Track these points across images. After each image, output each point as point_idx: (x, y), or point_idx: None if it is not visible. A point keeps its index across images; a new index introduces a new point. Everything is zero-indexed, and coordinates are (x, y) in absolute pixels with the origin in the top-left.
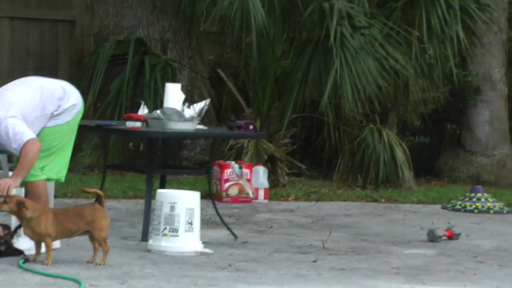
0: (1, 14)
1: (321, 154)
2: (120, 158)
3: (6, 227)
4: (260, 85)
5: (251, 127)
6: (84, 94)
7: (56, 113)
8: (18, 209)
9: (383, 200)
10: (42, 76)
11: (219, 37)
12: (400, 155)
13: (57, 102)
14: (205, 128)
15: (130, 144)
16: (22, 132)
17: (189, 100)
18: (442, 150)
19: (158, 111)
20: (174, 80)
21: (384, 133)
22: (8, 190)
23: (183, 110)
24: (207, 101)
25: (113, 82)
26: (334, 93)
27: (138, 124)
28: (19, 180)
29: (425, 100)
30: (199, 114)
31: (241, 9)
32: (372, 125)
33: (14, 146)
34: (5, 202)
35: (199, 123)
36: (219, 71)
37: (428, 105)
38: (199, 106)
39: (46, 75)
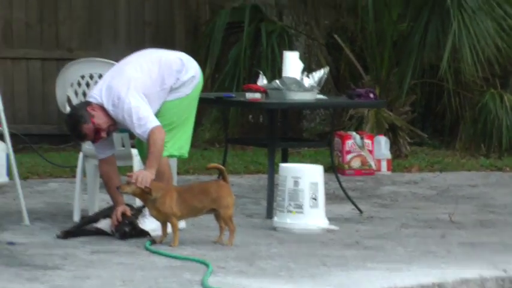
0: None
1: (442, 121)
2: (239, 131)
3: (131, 207)
4: (378, 50)
5: (371, 95)
6: (202, 65)
7: (174, 86)
8: (142, 190)
9: (508, 169)
10: (158, 47)
11: (334, 1)
12: None
13: (176, 74)
14: (325, 98)
15: (250, 116)
16: (146, 118)
17: (307, 68)
18: None
19: (277, 81)
20: (290, 47)
21: (505, 98)
22: (146, 182)
23: (302, 79)
24: (326, 70)
25: (230, 52)
26: (452, 57)
27: (257, 95)
28: (154, 171)
29: None
30: (318, 83)
31: None
32: (492, 90)
33: (138, 131)
34: (127, 184)
35: (318, 93)
36: (335, 36)
37: None
38: (318, 75)
39: (162, 45)
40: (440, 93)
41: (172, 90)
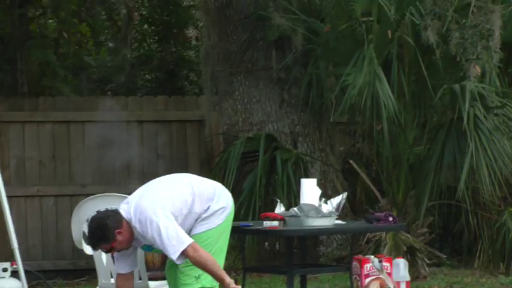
0: (129, 118)
1: (460, 241)
2: (255, 258)
3: None
4: (394, 174)
5: (391, 219)
6: None
7: (204, 215)
8: None
9: None
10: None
11: (349, 127)
12: None
13: (207, 202)
14: (344, 223)
15: (266, 243)
16: (177, 237)
17: (323, 194)
18: None
19: (295, 209)
20: (306, 174)
21: None
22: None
23: (320, 206)
24: (344, 195)
25: (245, 181)
26: (470, 178)
27: (275, 223)
28: (229, 280)
29: None
30: (337, 209)
31: (371, 96)
32: (510, 208)
33: (170, 250)
34: None
35: (336, 218)
36: (351, 162)
37: None
38: (336, 200)
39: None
40: (458, 213)
41: (202, 219)
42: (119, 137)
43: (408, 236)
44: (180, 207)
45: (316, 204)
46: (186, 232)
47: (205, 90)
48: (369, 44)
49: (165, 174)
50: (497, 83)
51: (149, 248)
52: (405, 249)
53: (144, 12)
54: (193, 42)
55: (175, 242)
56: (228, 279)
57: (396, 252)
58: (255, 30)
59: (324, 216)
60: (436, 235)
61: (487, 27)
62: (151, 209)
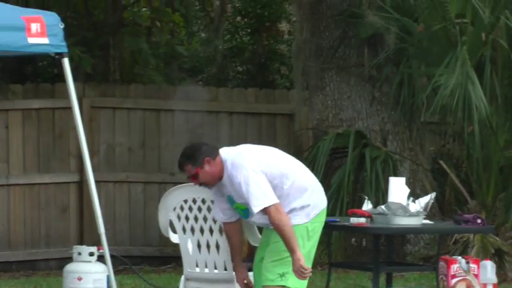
0: (220, 109)
1: None
2: (342, 254)
3: None
4: (484, 176)
5: (479, 221)
6: None
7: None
8: None
9: None
10: None
11: (439, 128)
12: None
13: (299, 191)
14: (432, 223)
15: (353, 239)
16: (265, 191)
17: (411, 193)
18: None
19: (383, 207)
20: (395, 173)
21: None
22: (306, 269)
23: (408, 205)
24: (433, 195)
25: (334, 176)
26: None
27: (362, 220)
28: (300, 253)
29: None
30: (425, 208)
31: (463, 98)
32: None
33: (254, 202)
34: None
35: (424, 218)
36: (441, 162)
37: None
38: (424, 200)
39: None
40: None
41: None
42: (208, 127)
43: (496, 238)
44: (274, 175)
45: (404, 203)
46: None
47: (296, 85)
48: (462, 45)
49: None
50: None
51: (231, 200)
52: (493, 251)
53: (237, 5)
54: (286, 36)
55: (261, 195)
56: (299, 253)
57: (484, 254)
58: (348, 27)
59: (412, 215)
60: None
61: None
62: (248, 160)
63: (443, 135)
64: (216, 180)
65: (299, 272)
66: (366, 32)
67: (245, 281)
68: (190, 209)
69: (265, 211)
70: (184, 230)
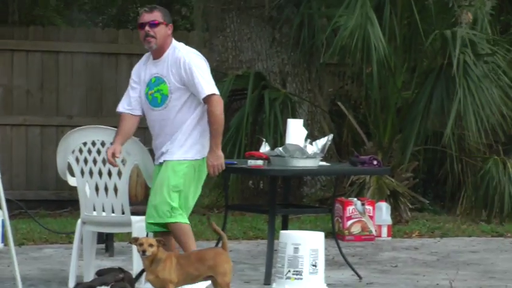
0: (119, 51)
1: (443, 187)
2: (239, 196)
3: (121, 270)
4: (381, 117)
5: (375, 162)
6: None
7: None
8: (158, 251)
9: (509, 235)
10: None
11: (338, 69)
12: None
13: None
14: (328, 165)
15: (250, 182)
16: (212, 81)
17: (309, 135)
18: None
19: (280, 149)
20: (293, 115)
21: (508, 164)
22: (222, 165)
23: (305, 147)
24: (330, 137)
25: (233, 118)
26: (457, 124)
27: (260, 162)
28: (220, 151)
29: None
30: (322, 150)
31: (362, 39)
32: (495, 156)
33: (202, 85)
34: (150, 246)
35: (321, 160)
36: (339, 103)
37: None
38: (321, 142)
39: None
40: (443, 159)
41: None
42: (107, 69)
43: (392, 180)
44: None
45: (302, 145)
46: None
47: (196, 26)
48: None
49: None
50: (489, 30)
51: (157, 82)
52: (388, 193)
53: None
54: None
55: (211, 83)
56: (221, 152)
57: (379, 195)
58: None
59: (309, 157)
60: (420, 180)
61: None
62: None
63: (342, 77)
64: (159, 46)
65: (216, 168)
66: None
67: (114, 153)
68: (89, 151)
69: (209, 98)
70: (82, 173)
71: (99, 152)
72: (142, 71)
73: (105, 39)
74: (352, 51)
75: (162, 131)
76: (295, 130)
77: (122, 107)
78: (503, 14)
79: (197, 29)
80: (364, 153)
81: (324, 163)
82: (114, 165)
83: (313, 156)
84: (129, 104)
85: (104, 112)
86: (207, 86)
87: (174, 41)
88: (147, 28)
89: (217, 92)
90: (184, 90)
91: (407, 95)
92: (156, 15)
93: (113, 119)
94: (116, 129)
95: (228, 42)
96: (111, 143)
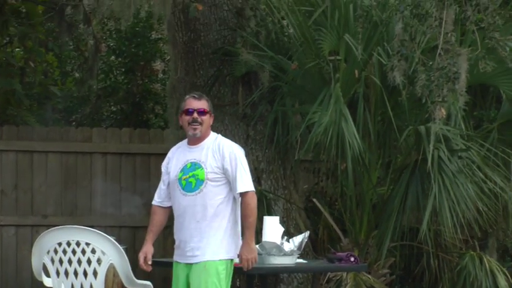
0: (93, 150)
1: (420, 284)
2: None
3: None
4: (357, 214)
5: (352, 259)
6: None
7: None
8: None
9: None
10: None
11: (313, 165)
12: (502, 282)
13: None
14: (305, 262)
15: None
16: (250, 178)
17: (285, 232)
18: None
19: (257, 246)
20: (269, 212)
21: (485, 259)
22: (256, 259)
23: (282, 244)
24: (306, 234)
25: None
26: (432, 220)
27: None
28: (254, 244)
29: None
30: (299, 247)
31: (336, 135)
32: (472, 252)
33: (239, 180)
34: None
35: (298, 257)
36: (314, 200)
37: None
38: (298, 239)
39: (139, 210)
40: (419, 255)
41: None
42: (82, 168)
43: (369, 276)
44: None
45: (278, 242)
46: None
47: (170, 124)
48: (336, 82)
49: (128, 208)
50: (462, 126)
51: (193, 167)
52: None
53: (111, 44)
54: (160, 75)
55: (249, 179)
56: (254, 246)
57: None
58: (222, 65)
59: (286, 254)
60: (397, 276)
61: (453, 70)
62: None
63: (317, 173)
64: (202, 133)
65: (251, 262)
66: (240, 70)
67: (146, 257)
68: (65, 251)
69: (245, 194)
70: (58, 273)
71: (74, 252)
72: (173, 160)
73: (79, 138)
74: (326, 148)
75: (193, 218)
76: (272, 227)
77: (154, 200)
78: (477, 109)
79: (171, 126)
80: (340, 249)
81: (300, 260)
82: (146, 270)
83: (290, 253)
84: (160, 196)
85: (78, 211)
86: (248, 181)
87: (211, 131)
88: (195, 115)
89: (254, 189)
90: (221, 178)
91: (383, 191)
92: (204, 104)
93: (88, 218)
94: (90, 229)
95: None
96: (145, 238)
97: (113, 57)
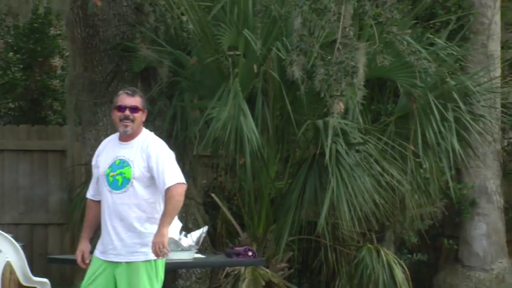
0: None
1: (318, 277)
2: None
3: None
4: (255, 208)
5: (250, 253)
6: (77, 227)
7: None
8: None
9: None
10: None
11: (212, 160)
12: (399, 274)
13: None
14: (203, 257)
15: None
16: (179, 171)
17: (184, 227)
18: (439, 266)
19: None
20: None
21: (382, 252)
22: (165, 249)
23: (180, 239)
24: (204, 229)
25: None
26: (330, 213)
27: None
28: (167, 231)
29: (422, 216)
30: (197, 242)
31: (235, 130)
32: (369, 245)
33: (171, 175)
34: None
35: (196, 252)
36: (213, 195)
37: (425, 221)
38: (196, 234)
39: (36, 207)
40: (317, 249)
41: None
42: None
43: (267, 270)
44: None
45: (176, 238)
46: None
47: (68, 120)
48: (235, 77)
49: (25, 205)
50: (360, 119)
51: (121, 164)
52: (264, 284)
53: (9, 40)
54: (59, 71)
55: (178, 172)
56: (167, 230)
57: (255, 286)
58: (121, 61)
59: (184, 250)
60: (295, 270)
61: (351, 64)
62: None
63: (216, 168)
64: (134, 130)
65: (158, 247)
66: (139, 66)
67: (83, 255)
68: None
69: (173, 187)
70: None
71: None
72: (103, 154)
73: None
74: (225, 143)
75: (116, 216)
76: None
77: (88, 193)
78: (374, 103)
79: (69, 123)
80: (239, 244)
81: (199, 255)
82: (83, 268)
83: (188, 248)
84: (93, 189)
85: None
86: (176, 174)
87: (143, 128)
88: (127, 112)
89: (184, 181)
90: (148, 179)
91: (281, 185)
92: (137, 101)
93: None
94: None
95: (101, 136)
96: (81, 236)
97: (11, 54)
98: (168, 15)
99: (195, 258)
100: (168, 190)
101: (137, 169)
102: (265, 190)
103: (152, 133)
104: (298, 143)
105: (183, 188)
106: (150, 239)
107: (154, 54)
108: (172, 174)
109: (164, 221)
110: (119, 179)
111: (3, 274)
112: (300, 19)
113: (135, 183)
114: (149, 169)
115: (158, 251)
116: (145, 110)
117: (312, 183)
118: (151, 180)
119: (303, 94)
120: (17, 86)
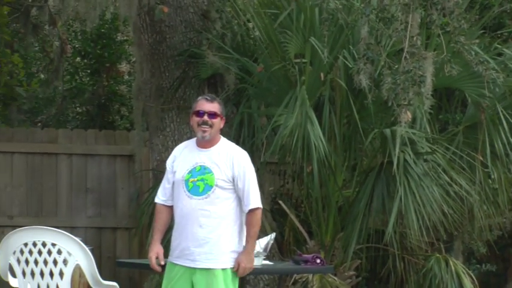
0: (59, 151)
1: (386, 286)
2: None
3: None
4: (323, 216)
5: (318, 261)
6: (145, 232)
7: None
8: None
9: None
10: (101, 213)
11: (279, 167)
12: (468, 284)
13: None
14: (271, 263)
15: None
16: (259, 196)
17: None
18: (509, 277)
19: None
20: None
21: (450, 262)
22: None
23: None
24: (272, 235)
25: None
26: (398, 222)
27: None
28: (253, 255)
29: (490, 226)
30: (265, 249)
31: (302, 137)
32: (437, 254)
33: (250, 196)
34: None
35: (264, 258)
36: (280, 202)
37: (493, 231)
38: (264, 241)
39: (105, 211)
40: (385, 257)
41: None
42: (47, 169)
43: (335, 278)
44: None
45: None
46: None
47: (136, 125)
48: (301, 85)
49: (93, 209)
50: (428, 129)
51: (201, 171)
52: None
53: (77, 45)
54: (126, 77)
55: (259, 196)
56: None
57: None
58: (188, 67)
59: None
60: (363, 278)
61: (419, 74)
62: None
63: (283, 175)
64: (212, 136)
65: (246, 271)
66: (206, 72)
67: (157, 257)
68: (31, 252)
69: (253, 210)
70: (24, 273)
71: (40, 252)
72: (180, 159)
73: (44, 139)
74: (292, 150)
75: (196, 222)
76: None
77: (158, 198)
78: (442, 112)
79: (137, 128)
80: (306, 251)
81: (266, 262)
82: (157, 271)
83: (256, 255)
84: (164, 194)
85: (44, 212)
86: (257, 197)
87: (221, 136)
88: (205, 117)
89: (261, 206)
90: (229, 186)
91: (348, 193)
92: (216, 107)
93: (54, 219)
94: (55, 229)
95: (168, 142)
96: (152, 239)
97: (78, 59)
98: (235, 22)
99: (263, 265)
100: (251, 212)
101: (219, 176)
102: (333, 198)
103: (231, 142)
104: (365, 152)
105: (261, 212)
106: (228, 246)
107: (221, 61)
108: (256, 196)
109: (252, 244)
110: (200, 185)
111: (72, 277)
112: (366, 27)
113: (217, 190)
114: (233, 179)
115: (243, 272)
116: (224, 117)
117: (379, 191)
118: (232, 189)
119: (370, 103)
120: (85, 91)
